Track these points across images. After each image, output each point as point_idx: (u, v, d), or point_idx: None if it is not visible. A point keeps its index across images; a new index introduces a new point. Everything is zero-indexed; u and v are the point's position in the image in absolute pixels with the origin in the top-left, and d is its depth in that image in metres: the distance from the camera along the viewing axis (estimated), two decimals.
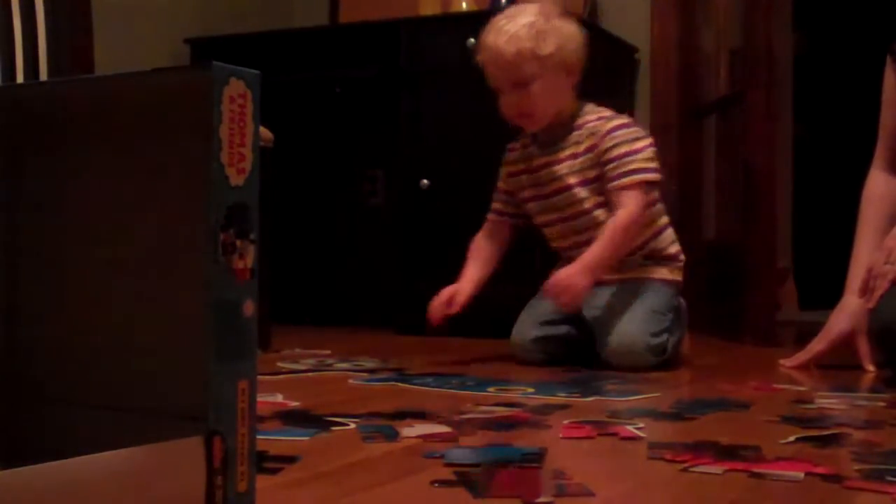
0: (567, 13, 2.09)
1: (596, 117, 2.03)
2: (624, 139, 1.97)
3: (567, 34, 2.01)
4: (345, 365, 1.97)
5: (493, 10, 3.06)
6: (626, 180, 1.94)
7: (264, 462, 0.96)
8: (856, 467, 0.98)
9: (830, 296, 2.14)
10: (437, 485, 0.89)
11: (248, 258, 0.69)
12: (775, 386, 1.72)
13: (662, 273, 2.07)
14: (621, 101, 3.21)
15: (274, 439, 1.10)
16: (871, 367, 1.97)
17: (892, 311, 1.80)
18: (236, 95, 0.68)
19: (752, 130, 2.70)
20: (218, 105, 0.67)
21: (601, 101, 3.06)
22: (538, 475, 0.93)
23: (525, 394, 1.55)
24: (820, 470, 0.95)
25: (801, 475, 0.94)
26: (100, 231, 0.79)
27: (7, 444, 0.82)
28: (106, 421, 0.77)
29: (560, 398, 1.50)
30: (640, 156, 1.96)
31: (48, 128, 0.82)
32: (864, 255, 1.99)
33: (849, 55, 4.84)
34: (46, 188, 0.82)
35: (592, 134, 2.00)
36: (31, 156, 0.83)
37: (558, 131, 2.04)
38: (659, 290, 2.05)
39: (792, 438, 1.15)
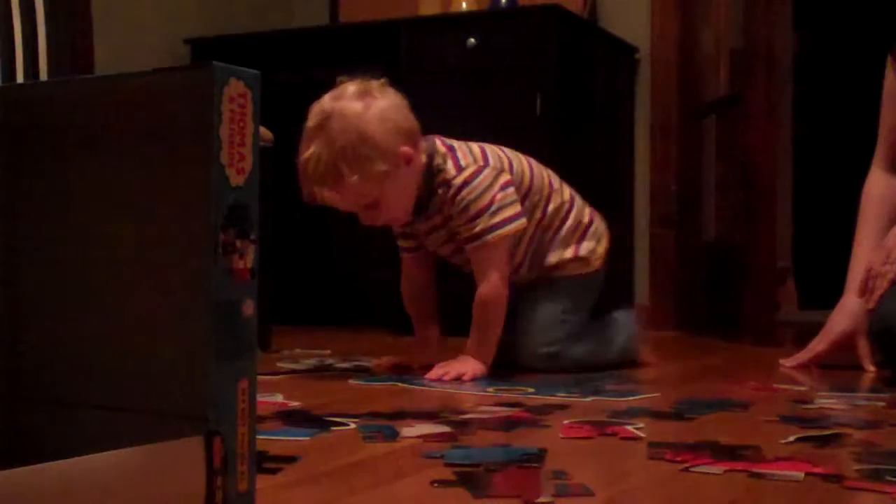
0: (366, 87, 1.77)
1: (441, 180, 1.81)
2: (468, 199, 1.79)
3: (387, 126, 1.73)
4: (345, 365, 1.97)
5: (493, 10, 3.07)
6: (475, 245, 1.80)
7: (264, 462, 0.96)
8: (856, 467, 0.98)
9: (830, 296, 2.14)
10: (437, 485, 0.89)
11: (248, 258, 0.69)
12: (775, 386, 1.72)
13: (572, 268, 1.95)
14: (621, 101, 3.22)
15: (274, 439, 1.10)
16: (871, 367, 1.97)
17: (892, 311, 1.80)
18: (236, 95, 0.68)
19: (752, 130, 2.70)
20: (218, 105, 0.67)
21: (602, 101, 3.09)
22: (538, 475, 0.93)
23: (525, 394, 1.55)
24: (820, 470, 0.96)
25: (801, 475, 0.94)
26: (100, 231, 0.79)
27: (7, 444, 0.82)
28: (106, 421, 0.77)
29: (560, 398, 1.50)
30: (486, 213, 1.79)
31: (48, 128, 0.82)
32: (864, 254, 1.99)
33: (849, 55, 4.84)
34: (46, 188, 0.82)
35: (443, 203, 1.82)
36: (31, 156, 0.83)
37: (424, 201, 1.84)
38: (565, 289, 1.94)
39: (792, 438, 1.15)
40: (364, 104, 1.74)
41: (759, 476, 0.94)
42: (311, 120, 1.76)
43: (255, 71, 0.70)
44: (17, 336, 0.84)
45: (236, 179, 0.68)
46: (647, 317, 3.20)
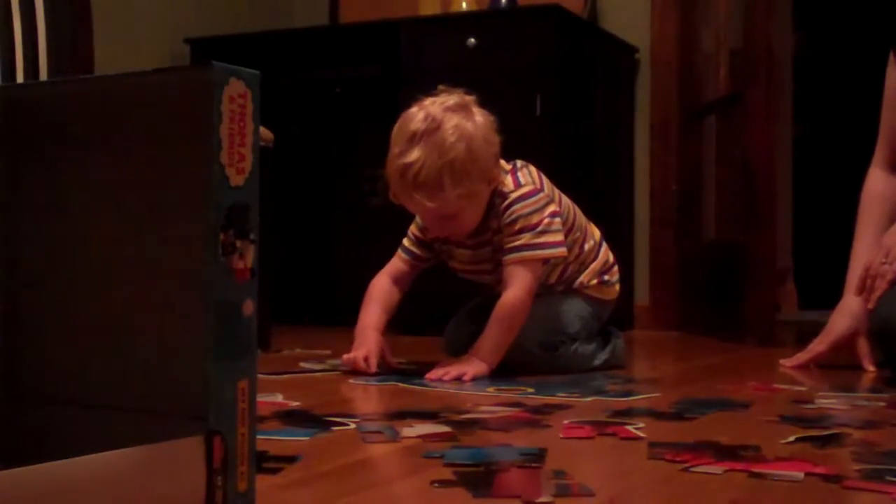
0: (465, 101, 1.80)
1: (498, 192, 1.84)
2: (519, 213, 1.82)
3: (491, 150, 1.78)
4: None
5: (493, 10, 3.07)
6: (512, 257, 1.81)
7: (264, 462, 0.96)
8: (856, 467, 0.98)
9: (830, 296, 2.14)
10: (437, 485, 0.89)
11: (248, 258, 0.69)
12: (775, 386, 1.72)
13: (593, 290, 1.99)
14: (621, 101, 3.22)
15: (274, 439, 1.10)
16: (871, 367, 1.96)
17: (892, 310, 1.80)
18: (236, 95, 0.68)
19: (752, 130, 2.70)
20: (218, 105, 0.67)
21: (602, 101, 3.09)
22: (538, 475, 0.93)
23: (525, 394, 1.55)
24: (820, 470, 0.96)
25: (801, 475, 0.94)
26: (100, 231, 0.79)
27: (7, 444, 0.82)
28: (106, 421, 0.77)
29: (560, 398, 1.50)
30: (532, 232, 1.81)
31: (48, 128, 0.82)
32: (863, 254, 1.99)
33: (849, 55, 4.84)
34: (46, 188, 0.82)
35: (495, 214, 1.85)
36: (31, 156, 0.83)
37: (484, 215, 1.87)
38: (582, 298, 1.98)
39: (792, 438, 1.15)
40: (473, 123, 1.77)
41: (759, 476, 0.94)
42: (418, 123, 1.76)
43: (255, 71, 0.70)
44: (17, 336, 0.84)
45: (236, 179, 0.68)
46: (647, 317, 3.21)
